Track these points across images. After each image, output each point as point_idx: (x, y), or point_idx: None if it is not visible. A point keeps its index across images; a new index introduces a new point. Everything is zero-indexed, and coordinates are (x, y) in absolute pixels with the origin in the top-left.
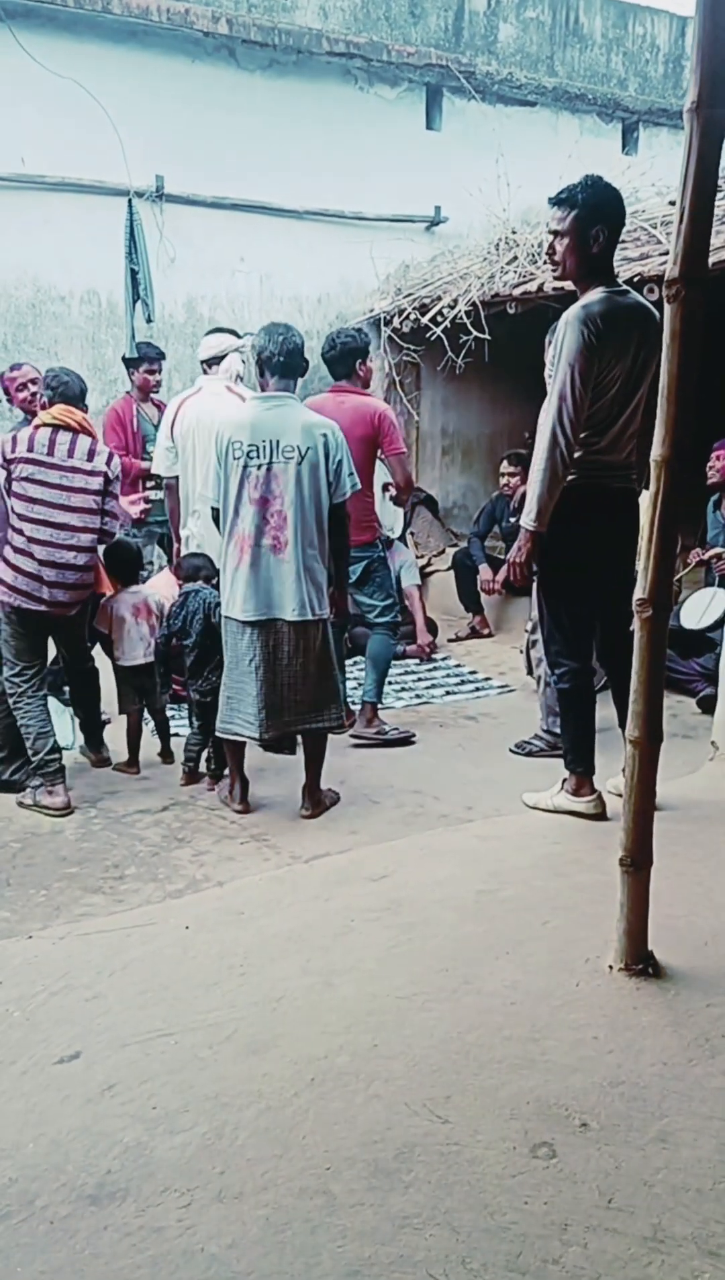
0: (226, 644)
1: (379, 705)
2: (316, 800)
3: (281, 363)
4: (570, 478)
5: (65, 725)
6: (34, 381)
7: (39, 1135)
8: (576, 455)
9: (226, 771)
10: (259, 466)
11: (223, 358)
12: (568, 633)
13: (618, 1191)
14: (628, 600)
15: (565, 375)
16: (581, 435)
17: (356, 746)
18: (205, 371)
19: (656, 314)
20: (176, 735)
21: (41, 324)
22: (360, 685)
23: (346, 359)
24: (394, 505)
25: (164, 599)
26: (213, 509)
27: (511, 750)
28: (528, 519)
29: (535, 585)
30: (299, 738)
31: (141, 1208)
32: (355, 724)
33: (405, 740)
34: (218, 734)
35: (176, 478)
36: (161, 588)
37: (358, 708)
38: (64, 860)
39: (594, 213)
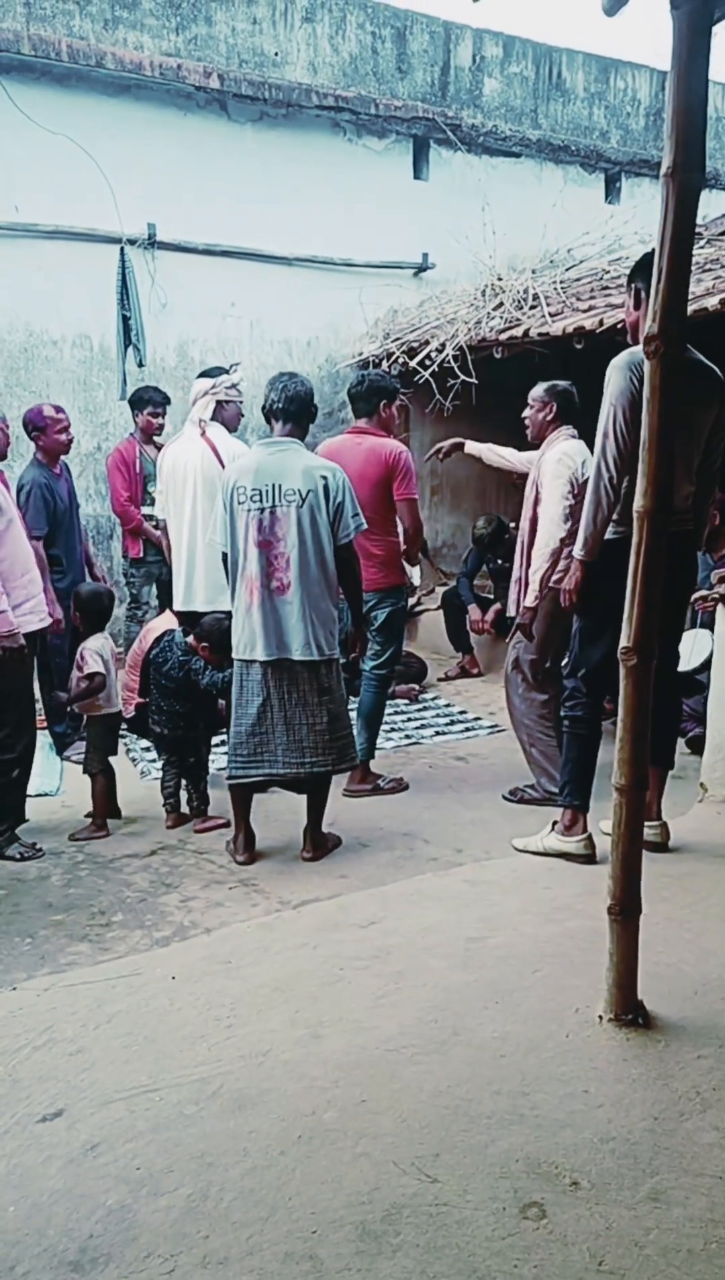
0: (236, 686)
1: (369, 760)
2: (318, 843)
3: (281, 409)
4: (622, 529)
5: (54, 771)
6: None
7: (20, 1198)
8: (625, 488)
9: (214, 810)
10: (262, 510)
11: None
12: (596, 670)
13: (608, 1253)
14: (673, 643)
15: (608, 414)
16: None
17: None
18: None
19: (717, 373)
20: (159, 778)
21: (34, 368)
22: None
23: (371, 397)
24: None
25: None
26: (222, 554)
27: (504, 798)
28: (577, 549)
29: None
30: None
31: (124, 1274)
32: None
33: (398, 789)
34: (229, 782)
35: (163, 520)
36: (161, 628)
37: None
38: (50, 907)
39: (633, 275)
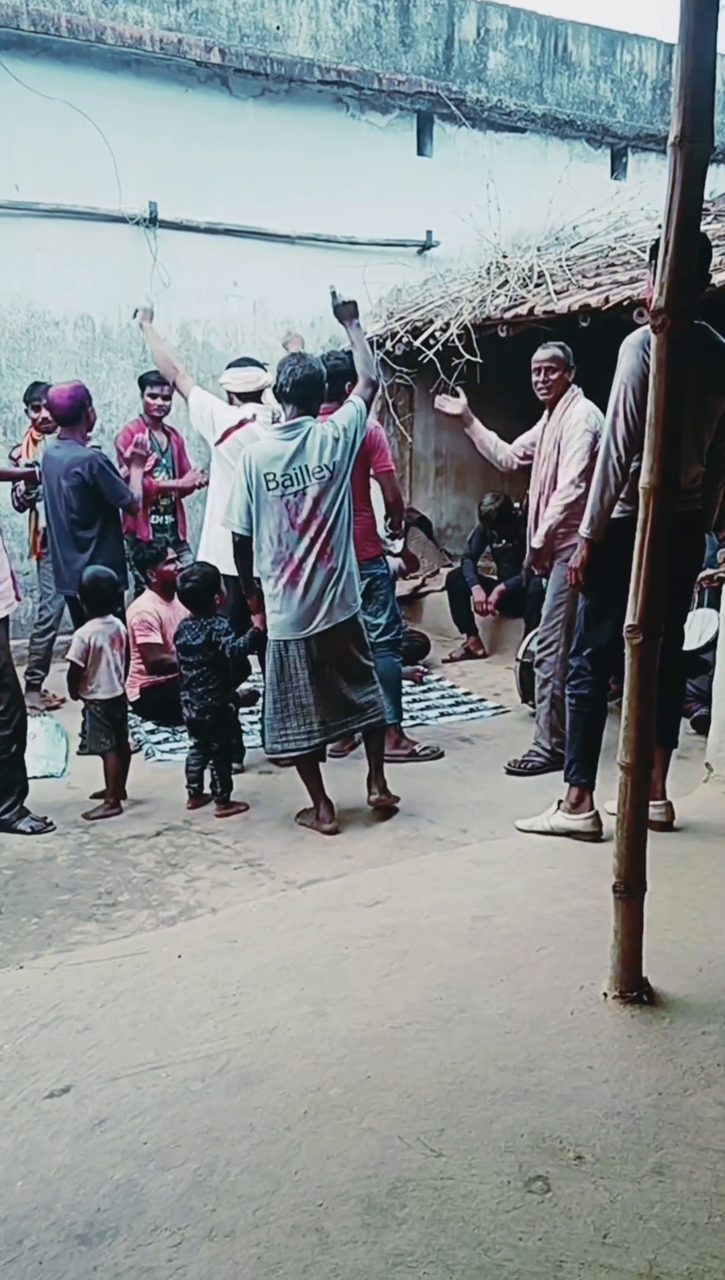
0: (277, 666)
1: (400, 724)
2: (385, 786)
3: (288, 393)
4: (629, 508)
5: (59, 753)
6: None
7: (28, 1173)
8: (633, 467)
9: (233, 798)
10: (296, 494)
11: (259, 393)
12: (603, 650)
13: (613, 1226)
14: (678, 623)
15: (619, 393)
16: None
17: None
18: (234, 401)
19: None
20: (165, 761)
21: (35, 349)
22: None
23: (336, 380)
24: (389, 538)
25: (146, 614)
26: (238, 535)
27: (509, 772)
28: (584, 528)
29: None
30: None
31: (132, 1247)
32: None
33: (435, 756)
34: (272, 757)
35: None
36: (146, 604)
37: None
38: (56, 887)
39: (654, 253)
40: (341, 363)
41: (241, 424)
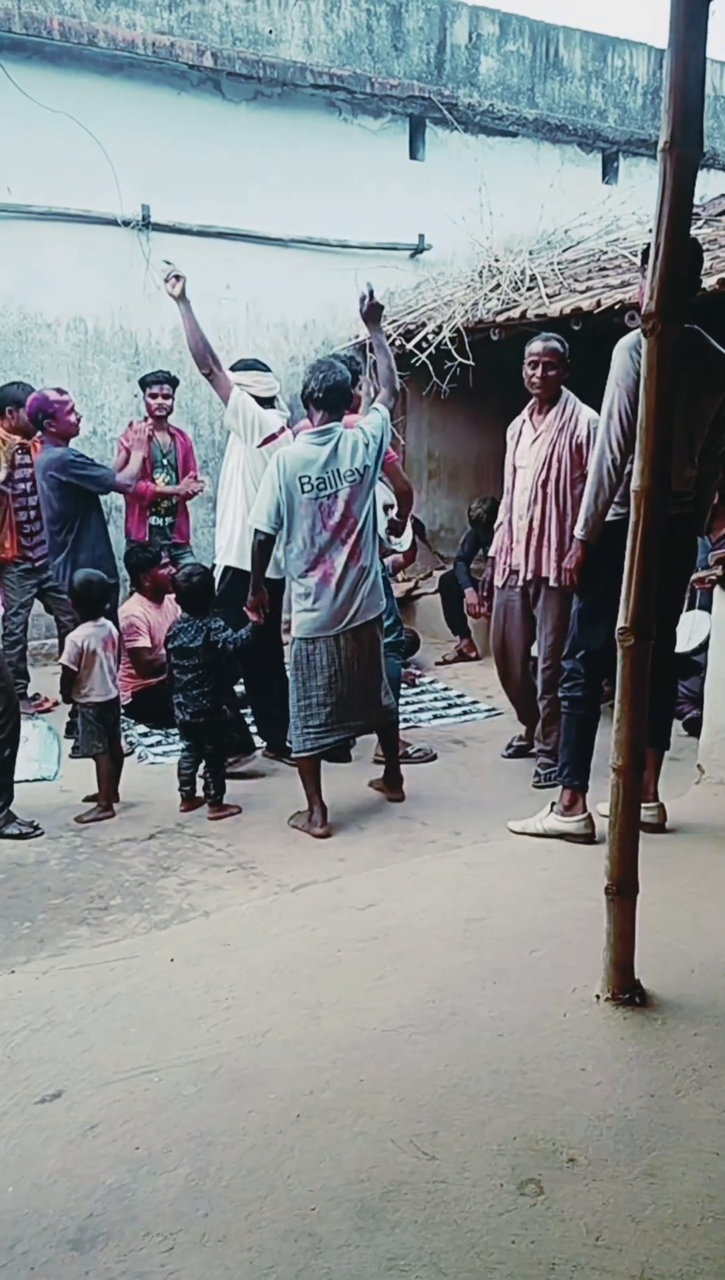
0: (303, 664)
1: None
2: (399, 782)
3: (320, 399)
4: (623, 511)
5: (51, 756)
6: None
7: (19, 1178)
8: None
9: (226, 801)
10: (330, 496)
11: (273, 399)
12: (597, 652)
13: (605, 1229)
14: (671, 626)
15: (613, 396)
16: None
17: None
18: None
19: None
20: (157, 763)
21: (28, 351)
22: None
23: None
24: (394, 535)
25: (134, 618)
26: (263, 533)
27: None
28: (579, 530)
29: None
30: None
31: (124, 1252)
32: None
33: (428, 758)
34: (300, 754)
35: None
36: (134, 608)
37: None
38: (49, 891)
39: (645, 258)
40: (346, 364)
41: (283, 430)
